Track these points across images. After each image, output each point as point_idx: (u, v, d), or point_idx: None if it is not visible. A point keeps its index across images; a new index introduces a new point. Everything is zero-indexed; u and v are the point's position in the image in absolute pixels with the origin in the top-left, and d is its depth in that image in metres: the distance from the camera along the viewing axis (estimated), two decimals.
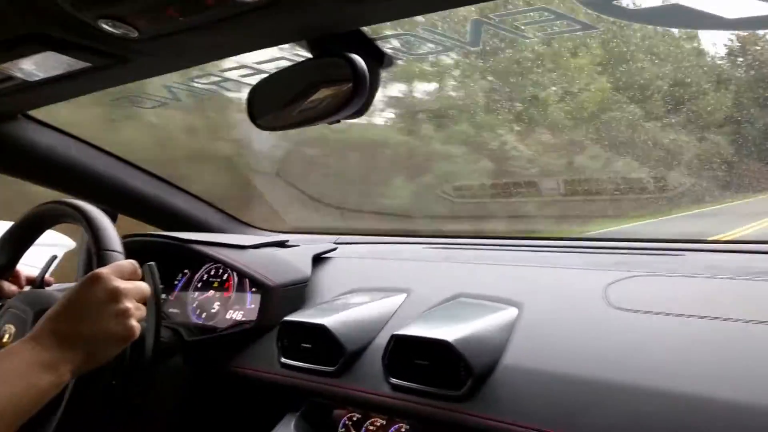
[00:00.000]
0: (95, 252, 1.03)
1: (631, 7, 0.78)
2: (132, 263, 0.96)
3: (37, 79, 1.02)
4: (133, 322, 0.88)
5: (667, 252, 1.32)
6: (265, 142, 2.40)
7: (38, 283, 1.25)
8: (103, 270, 0.90)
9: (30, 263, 1.28)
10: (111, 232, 1.05)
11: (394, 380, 1.06)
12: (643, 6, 0.78)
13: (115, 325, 0.86)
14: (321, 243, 1.68)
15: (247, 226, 1.93)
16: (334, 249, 1.63)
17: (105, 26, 0.78)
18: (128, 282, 0.91)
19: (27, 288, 1.25)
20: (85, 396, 0.96)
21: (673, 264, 1.25)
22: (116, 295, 0.87)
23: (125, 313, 0.87)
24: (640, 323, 1.01)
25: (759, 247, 1.28)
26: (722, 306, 0.99)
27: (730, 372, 0.85)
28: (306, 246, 1.61)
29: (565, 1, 0.76)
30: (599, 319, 1.05)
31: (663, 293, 1.10)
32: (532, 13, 0.79)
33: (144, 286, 0.94)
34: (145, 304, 0.94)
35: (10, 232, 1.22)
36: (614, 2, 0.77)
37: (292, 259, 1.48)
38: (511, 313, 1.11)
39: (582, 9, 0.76)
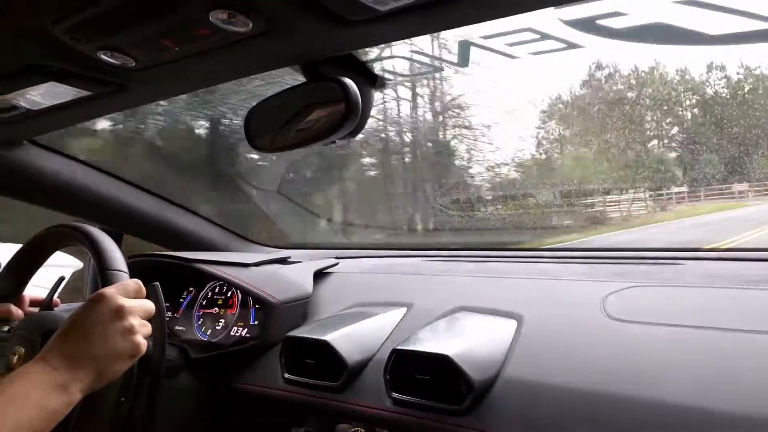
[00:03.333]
0: (100, 272, 1.05)
1: (615, 26, 0.79)
2: (136, 282, 0.98)
3: (41, 107, 1.05)
4: (140, 339, 0.90)
5: (664, 262, 1.33)
6: None
7: (46, 304, 1.27)
8: (108, 289, 0.92)
9: (38, 284, 1.31)
10: (115, 252, 1.08)
11: (395, 395, 1.07)
12: (627, 25, 0.79)
13: (122, 342, 0.88)
14: (322, 258, 1.69)
15: (249, 242, 1.95)
16: (336, 264, 1.65)
17: (104, 57, 0.81)
18: (133, 300, 0.93)
19: (35, 310, 1.27)
20: (93, 415, 0.97)
21: (671, 274, 1.25)
22: (121, 312, 0.88)
23: (131, 330, 0.89)
24: (638, 334, 1.01)
25: (757, 255, 1.29)
26: (721, 316, 1.00)
27: (730, 382, 0.85)
28: (307, 262, 1.62)
29: (550, 21, 0.77)
30: (598, 330, 1.06)
31: (661, 303, 1.10)
32: (517, 34, 0.81)
33: (149, 304, 0.96)
34: (150, 321, 0.96)
35: (16, 257, 1.24)
36: (598, 21, 0.79)
37: (294, 276, 1.50)
38: (510, 325, 1.12)
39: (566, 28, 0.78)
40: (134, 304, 0.92)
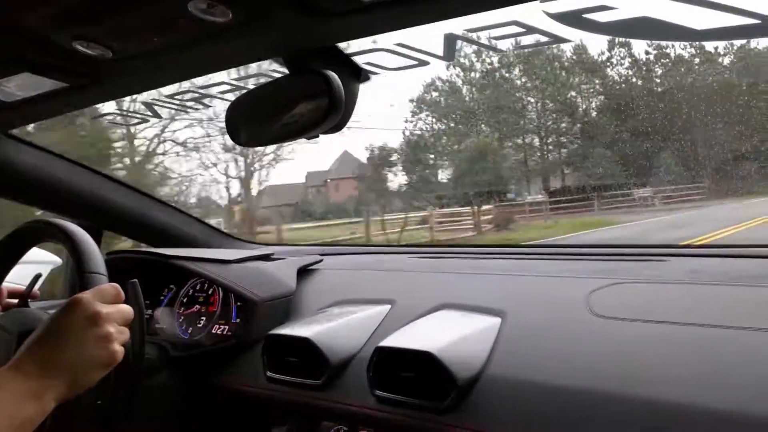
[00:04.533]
0: (78, 274, 1.02)
1: (601, 20, 0.79)
2: (114, 287, 0.94)
3: (16, 99, 1.02)
4: (116, 347, 0.87)
5: (649, 258, 1.33)
6: None
7: (22, 302, 1.25)
8: (85, 294, 0.89)
9: (14, 281, 1.28)
10: (94, 253, 1.05)
11: (379, 392, 1.06)
12: (613, 19, 0.79)
13: (98, 351, 0.85)
14: (306, 255, 1.68)
15: (232, 239, 1.93)
16: (320, 261, 1.63)
17: (79, 47, 0.79)
18: (110, 306, 0.89)
19: (14, 301, 1.24)
20: (69, 416, 0.95)
21: (655, 270, 1.26)
22: (97, 319, 0.85)
23: (107, 338, 0.86)
24: (623, 331, 1.01)
25: (740, 251, 1.29)
26: (705, 312, 1.00)
27: (714, 379, 0.85)
28: (291, 259, 1.61)
29: (535, 14, 0.77)
30: (582, 327, 1.05)
31: (646, 300, 1.10)
32: (502, 28, 0.80)
33: (127, 309, 0.92)
34: (128, 327, 0.93)
35: None
36: (584, 15, 0.79)
37: (277, 273, 1.48)
38: (494, 322, 1.12)
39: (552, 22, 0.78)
40: (111, 310, 0.88)
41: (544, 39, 0.82)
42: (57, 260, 2.19)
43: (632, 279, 1.19)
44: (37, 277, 1.30)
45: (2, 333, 1.09)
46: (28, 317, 1.12)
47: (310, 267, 1.60)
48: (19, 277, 1.28)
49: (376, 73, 0.93)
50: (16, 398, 0.77)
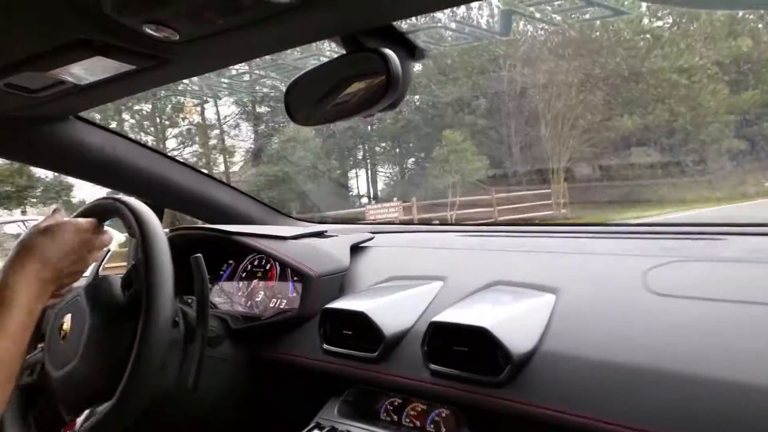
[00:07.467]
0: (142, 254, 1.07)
1: None
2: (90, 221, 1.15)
3: (86, 82, 1.07)
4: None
5: (707, 237, 1.30)
6: None
7: (94, 275, 1.32)
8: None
9: None
10: (159, 235, 1.10)
11: (433, 366, 1.08)
12: None
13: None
14: (358, 233, 1.70)
15: (285, 216, 1.97)
16: (371, 239, 1.66)
17: (148, 30, 0.82)
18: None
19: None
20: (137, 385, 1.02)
21: (714, 249, 1.23)
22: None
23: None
24: (680, 309, 0.99)
25: None
26: (764, 291, 0.98)
27: None
28: (344, 236, 1.64)
29: None
30: (638, 304, 1.04)
31: (704, 278, 1.08)
32: (561, 1, 0.79)
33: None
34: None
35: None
36: None
37: (331, 249, 1.51)
38: (548, 299, 1.12)
39: None
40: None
41: (604, 12, 0.80)
42: (120, 236, 2.28)
43: (690, 258, 1.17)
44: (107, 252, 1.37)
45: (81, 303, 1.16)
46: (100, 287, 1.19)
47: (362, 244, 1.62)
48: None
49: (431, 51, 0.93)
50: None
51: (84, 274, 1.31)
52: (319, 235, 1.64)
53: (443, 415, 1.12)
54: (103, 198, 1.24)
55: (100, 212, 1.23)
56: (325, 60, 0.94)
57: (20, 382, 1.15)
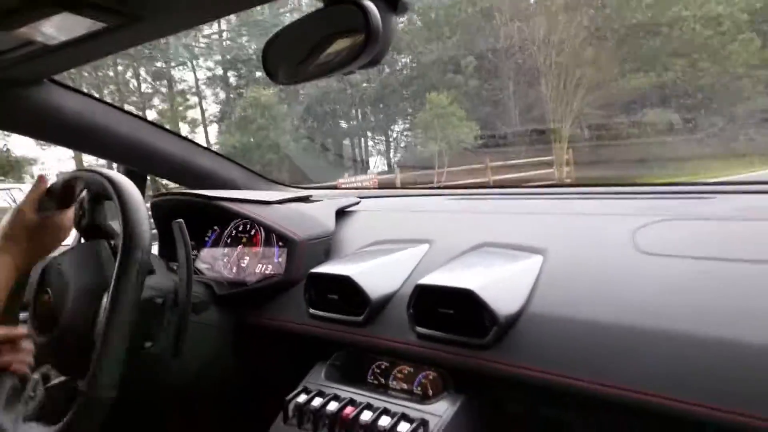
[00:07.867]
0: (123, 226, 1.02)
1: None
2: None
3: (56, 42, 1.03)
4: None
5: (695, 196, 1.29)
6: None
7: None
8: None
9: None
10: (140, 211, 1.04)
11: (419, 329, 1.07)
12: None
13: None
14: (344, 197, 1.68)
15: (270, 182, 1.94)
16: (357, 203, 1.64)
17: None
18: None
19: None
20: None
21: (702, 207, 1.22)
22: None
23: None
24: (669, 267, 0.99)
25: None
26: (753, 248, 0.97)
27: (762, 315, 0.83)
28: (329, 200, 1.62)
29: None
30: (627, 264, 1.03)
31: (693, 237, 1.07)
32: None
33: None
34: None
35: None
36: None
37: (316, 214, 1.49)
38: (535, 260, 1.11)
39: None
40: None
41: None
42: None
43: (678, 216, 1.16)
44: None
45: (61, 274, 1.13)
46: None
47: (348, 209, 1.61)
48: None
49: (414, 4, 0.89)
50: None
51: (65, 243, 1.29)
52: (304, 199, 1.62)
53: (430, 377, 1.12)
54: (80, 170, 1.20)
55: (71, 186, 1.19)
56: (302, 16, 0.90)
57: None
